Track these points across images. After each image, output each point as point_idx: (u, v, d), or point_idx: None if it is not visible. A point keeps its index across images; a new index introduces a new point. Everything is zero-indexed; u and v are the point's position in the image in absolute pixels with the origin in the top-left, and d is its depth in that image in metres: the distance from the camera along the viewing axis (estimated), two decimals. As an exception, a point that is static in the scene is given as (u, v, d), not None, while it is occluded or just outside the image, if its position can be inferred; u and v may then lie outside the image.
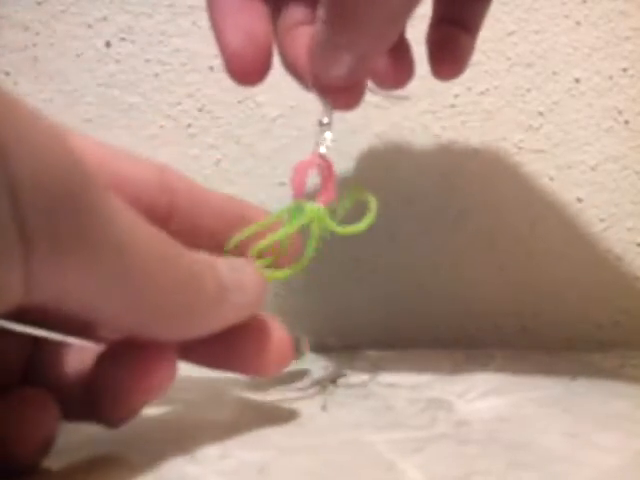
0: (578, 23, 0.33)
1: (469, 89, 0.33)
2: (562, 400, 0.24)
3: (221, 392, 0.25)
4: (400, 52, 0.23)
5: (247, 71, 0.22)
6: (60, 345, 0.20)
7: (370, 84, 0.24)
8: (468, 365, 0.29)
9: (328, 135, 0.24)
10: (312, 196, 0.23)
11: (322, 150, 0.24)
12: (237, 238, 0.22)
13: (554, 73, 0.33)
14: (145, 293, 0.16)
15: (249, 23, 0.22)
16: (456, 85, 0.33)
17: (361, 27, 0.20)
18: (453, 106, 0.33)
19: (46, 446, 0.17)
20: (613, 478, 0.18)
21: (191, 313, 0.18)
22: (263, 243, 0.22)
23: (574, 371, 0.27)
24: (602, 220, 0.33)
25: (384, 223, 0.33)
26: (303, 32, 0.22)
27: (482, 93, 0.33)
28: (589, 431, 0.20)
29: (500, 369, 0.28)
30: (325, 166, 0.24)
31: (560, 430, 0.20)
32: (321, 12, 0.20)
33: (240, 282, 0.20)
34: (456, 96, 0.33)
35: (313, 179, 0.24)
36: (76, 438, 0.20)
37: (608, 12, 0.33)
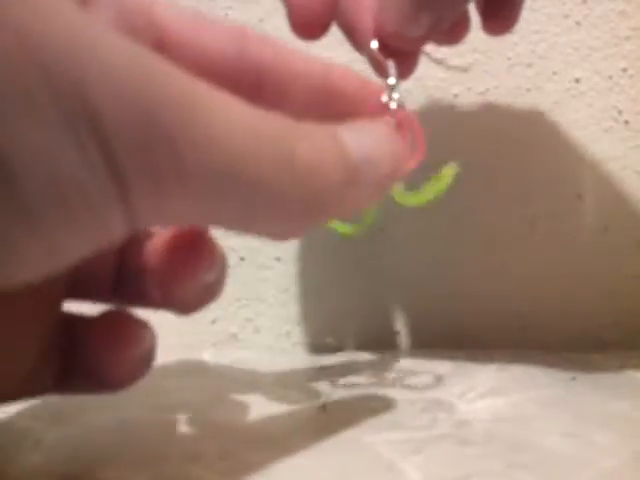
0: (578, 23, 0.33)
1: (469, 89, 0.33)
2: (562, 400, 0.24)
3: (221, 392, 0.25)
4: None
5: (311, 24, 0.22)
6: None
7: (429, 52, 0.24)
8: (468, 365, 0.29)
9: (396, 96, 0.22)
10: None
11: (393, 105, 0.22)
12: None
13: (554, 73, 0.33)
14: (261, 200, 0.15)
15: None
16: (456, 85, 0.33)
17: None
18: (453, 106, 0.33)
19: (148, 361, 0.19)
20: (613, 478, 0.18)
21: (314, 208, 0.16)
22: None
23: (574, 371, 0.27)
24: (602, 220, 0.33)
25: (384, 223, 0.33)
26: None
27: (482, 93, 0.33)
28: (589, 431, 0.20)
29: (500, 369, 0.28)
30: (412, 125, 0.22)
31: (560, 430, 0.20)
32: None
33: (370, 154, 0.17)
34: (456, 96, 0.33)
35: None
36: (76, 438, 0.20)
37: (608, 12, 0.33)
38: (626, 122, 0.33)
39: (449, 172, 0.22)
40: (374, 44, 0.22)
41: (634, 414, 0.22)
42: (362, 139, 0.17)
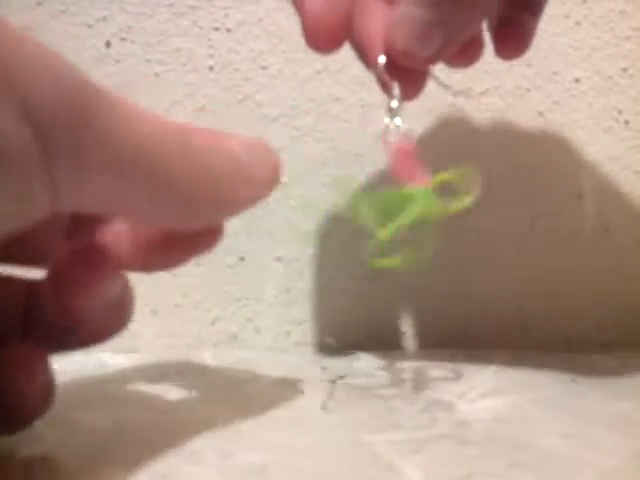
0: (578, 23, 0.33)
1: (469, 89, 0.33)
2: (562, 400, 0.24)
3: (221, 392, 0.25)
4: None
5: (326, 38, 0.22)
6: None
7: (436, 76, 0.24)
8: (468, 365, 0.28)
9: (398, 121, 0.23)
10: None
11: (402, 131, 0.23)
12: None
13: (554, 73, 0.33)
14: (167, 187, 0.17)
15: None
16: (456, 85, 0.33)
17: (457, 7, 0.20)
18: (453, 106, 0.33)
19: (45, 399, 0.18)
20: (613, 478, 0.18)
21: (213, 197, 0.18)
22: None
23: (574, 371, 0.27)
24: (602, 220, 0.33)
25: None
26: (377, 7, 0.22)
27: (482, 93, 0.33)
28: (589, 431, 0.20)
29: (500, 369, 0.28)
30: (410, 150, 0.23)
31: (560, 430, 0.20)
32: None
33: (254, 158, 0.20)
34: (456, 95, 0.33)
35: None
36: (76, 438, 0.20)
37: (608, 12, 0.33)
38: (626, 122, 0.33)
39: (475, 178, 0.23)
40: (382, 59, 0.22)
41: (634, 414, 0.22)
42: (245, 143, 0.20)
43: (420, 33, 0.21)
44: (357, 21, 0.23)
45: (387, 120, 0.23)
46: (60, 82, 0.14)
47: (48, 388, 0.18)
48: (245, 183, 0.19)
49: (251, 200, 0.20)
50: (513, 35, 0.25)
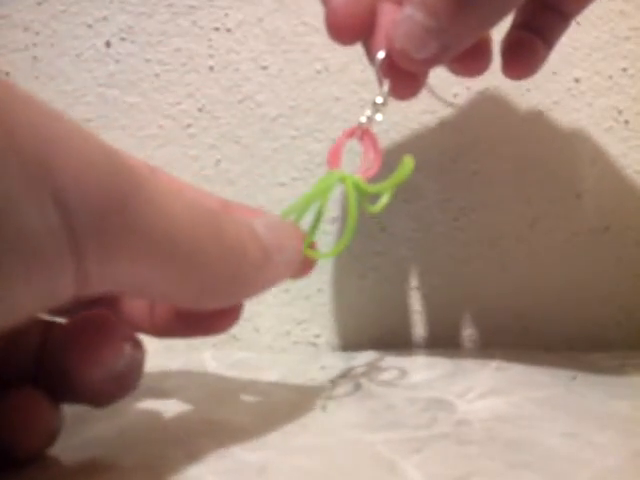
0: (578, 23, 0.33)
1: (469, 89, 0.33)
2: (562, 400, 0.24)
3: (221, 392, 0.25)
4: (482, 41, 0.24)
5: (348, 31, 0.23)
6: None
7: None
8: (468, 365, 0.29)
9: (379, 117, 0.24)
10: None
11: (363, 120, 0.24)
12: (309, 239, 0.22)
13: (554, 73, 0.33)
14: (194, 269, 0.17)
15: None
16: (456, 85, 0.33)
17: (456, 17, 0.21)
18: (454, 106, 0.33)
19: (49, 439, 0.18)
20: (613, 478, 0.18)
21: (237, 280, 0.19)
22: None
23: (574, 370, 0.27)
24: (602, 220, 0.33)
25: (384, 222, 0.33)
26: (390, 6, 0.23)
27: (482, 93, 0.33)
28: (589, 431, 0.20)
29: (500, 369, 0.28)
30: (367, 138, 0.24)
31: (560, 430, 0.20)
32: None
33: (279, 241, 0.20)
34: (456, 96, 0.33)
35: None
36: (76, 439, 0.20)
37: (608, 12, 0.33)
38: (626, 122, 0.33)
39: (408, 162, 0.22)
40: (381, 54, 0.23)
41: (634, 414, 0.22)
42: (272, 227, 0.20)
43: (417, 36, 0.21)
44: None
45: (368, 113, 0.24)
46: (93, 167, 0.14)
47: (53, 432, 0.18)
48: (270, 267, 0.20)
49: (273, 283, 0.20)
50: (523, 58, 0.25)
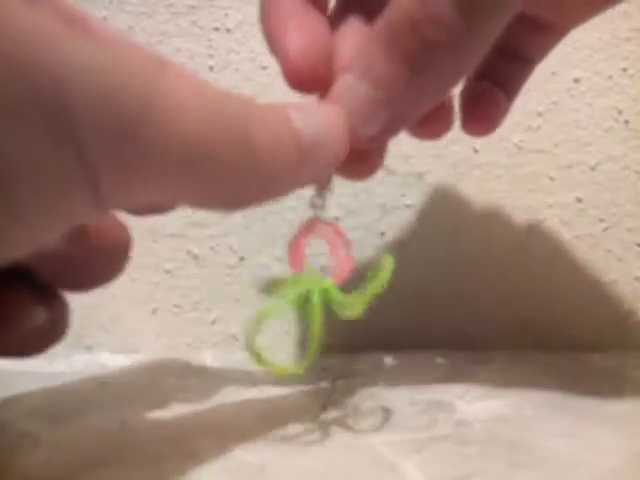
0: (578, 23, 0.33)
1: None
2: (562, 401, 0.24)
3: (221, 392, 0.25)
4: (441, 105, 0.22)
5: (307, 78, 0.20)
6: None
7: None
8: (468, 365, 0.29)
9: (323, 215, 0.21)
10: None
11: (320, 214, 0.21)
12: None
13: (553, 73, 0.33)
14: (220, 180, 0.16)
15: (313, 28, 0.20)
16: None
17: (406, 87, 0.19)
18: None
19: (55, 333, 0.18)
20: (613, 478, 0.18)
21: (268, 185, 0.17)
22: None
23: (574, 371, 0.27)
24: (602, 220, 0.33)
25: (383, 226, 0.33)
26: (354, 36, 0.21)
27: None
28: (589, 431, 0.20)
29: (500, 369, 0.28)
30: (332, 233, 0.21)
31: (560, 430, 0.21)
32: (360, 63, 0.19)
33: (318, 137, 0.18)
34: (456, 96, 0.33)
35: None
36: (76, 438, 0.20)
37: (608, 13, 0.33)
38: (626, 122, 0.33)
39: (388, 264, 0.20)
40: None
41: (634, 414, 0.22)
42: (311, 121, 0.18)
43: (363, 109, 0.19)
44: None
45: (317, 201, 0.21)
46: (104, 93, 0.13)
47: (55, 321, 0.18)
48: (307, 165, 0.18)
49: (311, 182, 0.19)
50: (484, 112, 0.23)
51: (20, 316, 0.17)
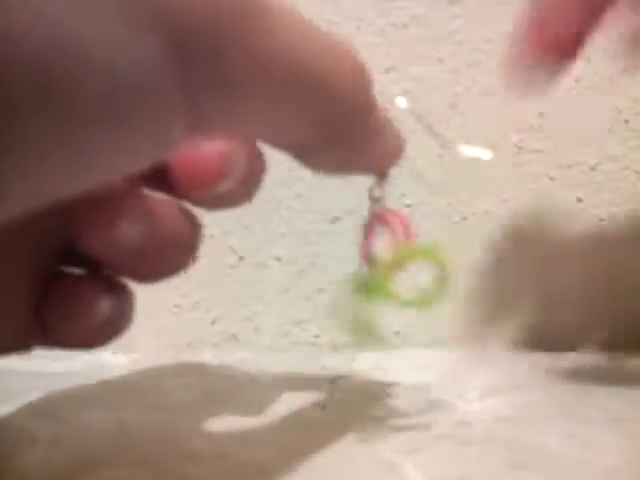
0: (578, 23, 0.33)
1: (469, 89, 0.33)
2: (562, 400, 0.24)
3: (221, 392, 0.25)
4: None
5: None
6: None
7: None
8: (468, 365, 0.29)
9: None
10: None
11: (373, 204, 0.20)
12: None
13: (554, 73, 0.33)
14: (333, 117, 0.15)
15: None
16: (456, 85, 0.33)
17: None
18: (453, 106, 0.33)
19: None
20: (613, 478, 0.18)
21: (379, 133, 0.17)
22: None
23: (574, 371, 0.27)
24: (602, 220, 0.33)
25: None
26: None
27: (482, 93, 0.33)
28: (589, 431, 0.20)
29: (500, 369, 0.28)
30: (394, 218, 0.20)
31: (560, 430, 0.20)
32: None
33: (387, 121, 0.18)
34: (456, 96, 0.33)
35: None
36: (75, 438, 0.20)
37: (609, 13, 0.33)
38: (626, 122, 0.33)
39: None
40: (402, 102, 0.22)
41: (634, 414, 0.22)
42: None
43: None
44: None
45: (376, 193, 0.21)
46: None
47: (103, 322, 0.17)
48: (385, 136, 0.18)
49: (381, 158, 0.19)
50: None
51: (88, 308, 0.17)
